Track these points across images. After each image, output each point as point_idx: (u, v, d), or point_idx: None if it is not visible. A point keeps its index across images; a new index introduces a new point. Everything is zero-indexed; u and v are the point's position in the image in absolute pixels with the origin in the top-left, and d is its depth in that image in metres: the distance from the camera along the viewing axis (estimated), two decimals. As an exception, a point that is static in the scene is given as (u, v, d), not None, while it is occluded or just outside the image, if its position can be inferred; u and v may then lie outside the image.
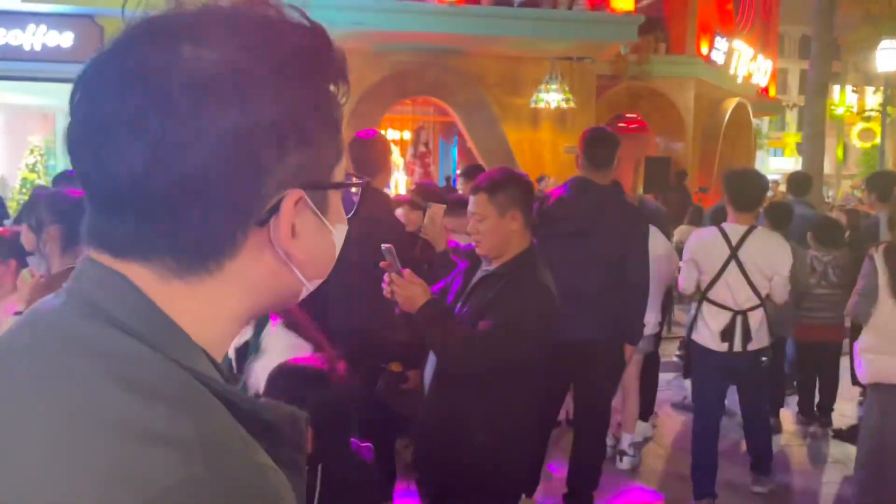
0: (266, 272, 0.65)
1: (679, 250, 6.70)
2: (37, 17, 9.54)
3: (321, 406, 1.69)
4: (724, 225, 4.03)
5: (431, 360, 2.42)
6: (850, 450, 4.54)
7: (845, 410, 5.53)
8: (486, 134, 11.68)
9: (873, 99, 25.34)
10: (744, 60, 15.44)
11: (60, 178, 4.75)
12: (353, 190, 0.76)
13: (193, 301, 0.62)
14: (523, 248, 2.41)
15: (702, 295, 4.07)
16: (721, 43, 14.38)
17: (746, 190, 4.02)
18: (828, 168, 31.88)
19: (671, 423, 5.60)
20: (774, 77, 18.14)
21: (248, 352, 2.34)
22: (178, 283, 0.61)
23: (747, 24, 15.87)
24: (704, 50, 13.87)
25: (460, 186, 5.75)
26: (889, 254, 3.43)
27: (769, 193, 6.22)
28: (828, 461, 5.07)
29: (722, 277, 3.95)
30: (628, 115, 14.56)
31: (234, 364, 2.34)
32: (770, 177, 9.09)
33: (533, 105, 10.96)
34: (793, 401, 5.77)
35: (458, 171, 9.38)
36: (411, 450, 2.53)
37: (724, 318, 3.97)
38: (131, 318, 0.59)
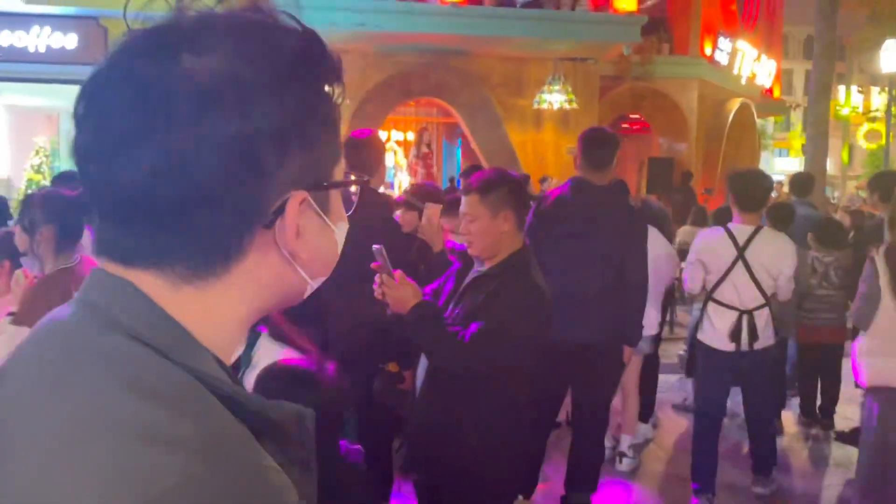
0: (272, 273, 0.66)
1: (682, 251, 6.70)
2: (41, 18, 9.58)
3: (310, 407, 1.67)
4: (730, 225, 4.04)
5: (424, 360, 2.41)
6: (852, 452, 4.51)
7: (847, 412, 5.49)
8: (489, 135, 11.67)
9: (879, 99, 25.24)
10: (747, 61, 15.39)
11: (59, 179, 4.76)
12: (353, 189, 0.78)
13: (202, 305, 0.63)
14: (516, 249, 2.40)
15: (708, 295, 4.08)
16: (725, 43, 14.34)
17: (751, 190, 4.02)
18: (833, 169, 31.86)
19: (671, 424, 5.58)
20: (779, 78, 18.08)
21: (240, 366, 2.33)
22: (186, 288, 0.63)
23: (751, 24, 15.83)
24: (708, 50, 13.84)
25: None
26: (890, 255, 3.40)
27: (773, 194, 6.19)
28: (829, 463, 5.04)
29: (728, 277, 3.97)
30: (631, 116, 14.53)
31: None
32: (775, 177, 9.06)
33: (536, 106, 10.96)
34: (794, 403, 5.75)
35: (461, 172, 9.39)
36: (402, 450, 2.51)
37: (731, 317, 3.98)
38: (139, 324, 0.60)
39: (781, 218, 4.93)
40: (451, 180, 12.08)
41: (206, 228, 0.61)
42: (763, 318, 3.98)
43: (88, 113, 0.63)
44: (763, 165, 32.62)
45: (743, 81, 15.31)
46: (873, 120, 25.26)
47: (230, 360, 0.67)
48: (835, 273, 5.20)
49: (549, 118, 11.47)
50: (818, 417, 5.53)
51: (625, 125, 14.81)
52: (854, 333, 4.42)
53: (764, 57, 16.29)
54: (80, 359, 0.58)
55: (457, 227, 3.46)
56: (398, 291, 2.25)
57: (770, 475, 4.40)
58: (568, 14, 10.42)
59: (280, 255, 0.66)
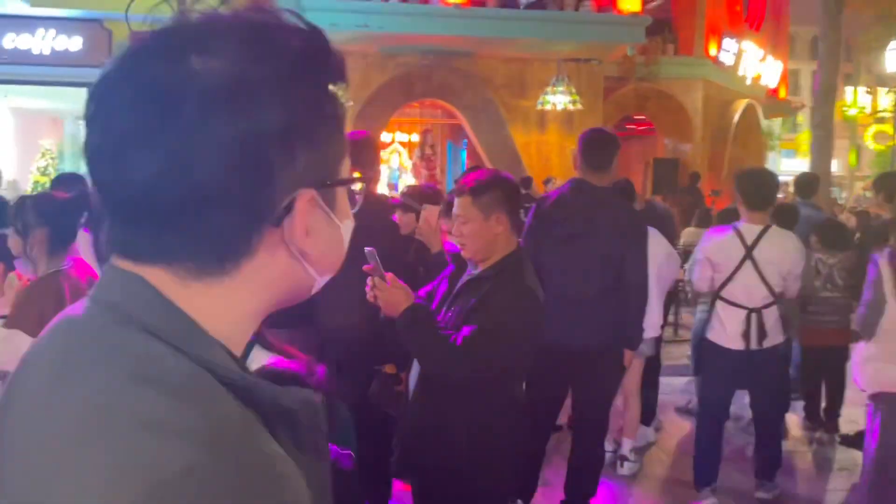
0: (280, 270, 0.67)
1: (687, 253, 6.66)
2: (46, 21, 9.62)
3: None
4: (738, 224, 4.04)
5: (417, 363, 2.39)
6: (857, 456, 4.47)
7: (852, 415, 5.43)
8: (492, 136, 11.65)
9: (886, 100, 25.09)
10: (753, 61, 15.32)
11: (59, 181, 4.76)
12: (357, 188, 0.79)
13: (211, 300, 0.65)
14: (509, 252, 2.37)
15: (716, 294, 4.09)
16: (730, 44, 14.28)
17: (759, 189, 4.02)
18: (841, 169, 31.68)
19: (674, 428, 5.54)
20: (785, 78, 18.00)
21: None
22: (196, 284, 0.64)
23: (757, 24, 15.75)
24: (713, 51, 13.79)
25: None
26: (893, 258, 3.36)
27: (780, 194, 6.15)
28: (834, 468, 4.99)
29: (737, 276, 3.97)
30: (636, 117, 14.48)
31: None
32: (782, 178, 8.99)
33: (539, 107, 10.93)
34: (798, 406, 5.69)
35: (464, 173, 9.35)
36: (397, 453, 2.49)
37: (740, 316, 3.98)
38: (149, 317, 0.62)
39: (785, 219, 4.89)
40: (457, 182, 12.05)
41: (215, 227, 0.62)
42: (772, 317, 3.99)
43: (97, 114, 0.64)
44: (770, 166, 32.43)
45: (748, 82, 15.24)
46: (881, 121, 25.10)
47: (240, 352, 0.68)
48: (839, 275, 5.14)
49: (553, 119, 11.44)
50: (822, 421, 5.48)
51: (630, 126, 14.77)
52: (858, 336, 4.38)
53: (770, 57, 16.21)
54: (90, 352, 0.60)
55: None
56: (390, 294, 2.23)
57: (773, 480, 4.36)
58: (571, 15, 10.38)
59: (288, 252, 0.67)
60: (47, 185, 10.84)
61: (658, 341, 5.03)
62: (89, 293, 0.66)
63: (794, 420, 5.63)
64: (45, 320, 2.27)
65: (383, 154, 14.30)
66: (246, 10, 0.66)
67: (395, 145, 14.50)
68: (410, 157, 14.33)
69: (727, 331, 4.01)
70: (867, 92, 26.32)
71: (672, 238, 5.92)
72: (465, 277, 2.41)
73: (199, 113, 0.60)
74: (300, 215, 0.66)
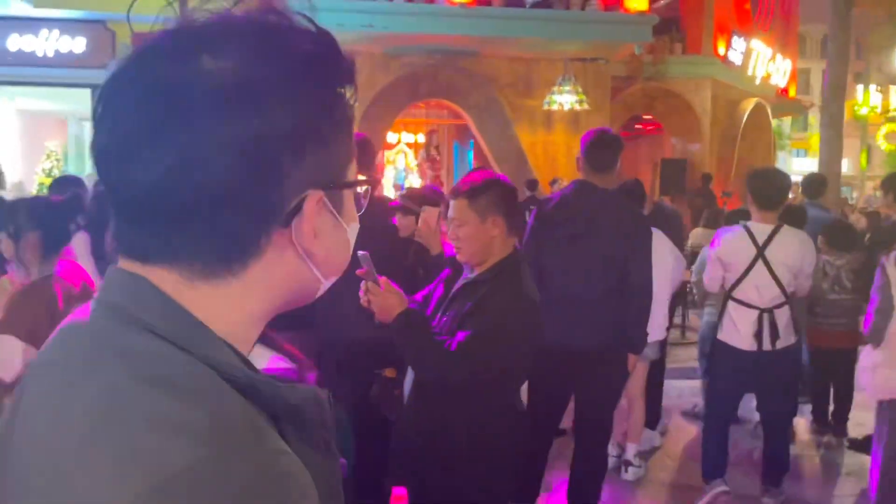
0: (287, 271, 0.68)
1: (694, 254, 6.59)
2: (49, 22, 9.63)
3: None
4: (749, 224, 4.04)
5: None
6: (865, 461, 4.38)
7: (861, 419, 5.35)
8: (498, 136, 11.60)
9: (897, 99, 24.93)
10: (762, 60, 15.20)
11: (57, 183, 4.74)
12: (362, 190, 0.78)
13: (218, 301, 0.65)
14: (506, 255, 2.32)
15: (727, 294, 4.08)
16: (738, 43, 14.17)
17: (769, 189, 4.02)
18: (852, 169, 31.45)
19: (680, 432, 5.47)
20: (795, 77, 17.86)
21: None
22: (203, 285, 0.64)
23: (766, 23, 15.63)
24: (721, 50, 13.68)
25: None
26: (901, 261, 3.29)
27: (791, 194, 6.08)
28: (841, 472, 4.91)
29: (749, 276, 3.96)
30: (644, 117, 14.39)
31: None
32: (794, 178, 8.89)
33: (546, 107, 10.86)
34: (806, 409, 5.61)
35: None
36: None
37: (752, 316, 3.97)
38: (154, 318, 0.62)
39: (793, 220, 4.81)
40: (460, 183, 12.00)
41: (224, 227, 0.62)
42: (784, 317, 3.98)
43: (106, 114, 0.64)
44: (780, 166, 32.27)
45: (757, 81, 15.13)
46: (893, 120, 24.90)
47: (247, 352, 0.68)
48: (846, 276, 5.07)
49: (560, 119, 11.37)
50: (831, 424, 5.40)
51: (638, 126, 14.69)
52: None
53: (779, 56, 16.09)
54: (97, 354, 0.60)
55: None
56: (383, 299, 2.18)
57: (780, 486, 4.29)
58: (577, 14, 10.32)
59: (296, 254, 0.67)
60: (53, 186, 10.88)
61: (663, 344, 4.96)
62: (96, 294, 0.67)
63: (801, 423, 5.55)
64: (38, 325, 2.21)
65: (389, 155, 14.29)
66: (256, 11, 0.66)
67: (401, 146, 14.47)
68: (416, 158, 14.29)
69: (739, 331, 4.02)
70: (878, 91, 26.11)
71: (680, 240, 5.84)
72: (461, 281, 2.35)
73: (210, 113, 0.60)
74: (309, 216, 0.66)
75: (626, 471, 4.57)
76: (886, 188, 5.61)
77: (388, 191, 12.51)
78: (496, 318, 2.15)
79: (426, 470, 2.27)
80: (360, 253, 2.18)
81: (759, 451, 4.44)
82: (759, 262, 3.94)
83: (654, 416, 5.18)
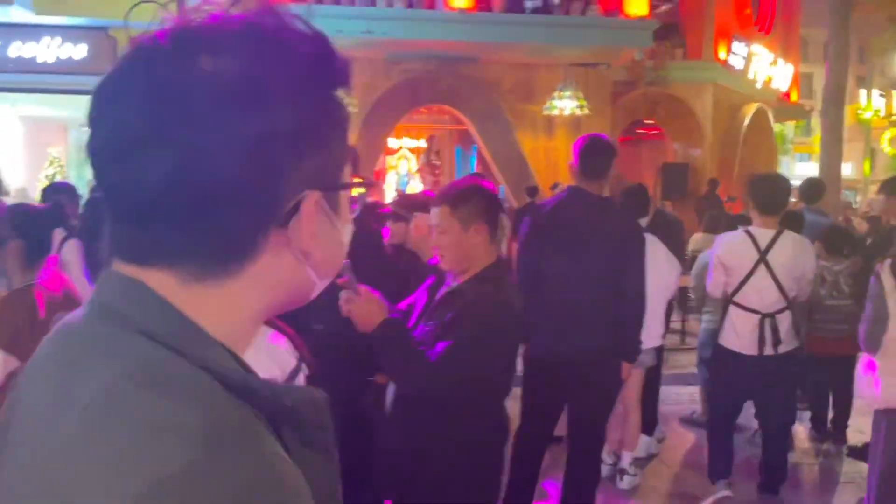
0: (283, 272, 0.67)
1: (694, 259, 6.56)
2: (51, 29, 9.65)
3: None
4: (750, 228, 4.05)
5: (394, 380, 2.31)
6: (864, 469, 4.33)
7: (861, 426, 5.31)
8: (499, 142, 11.59)
9: (901, 103, 24.84)
10: (763, 65, 15.15)
11: (51, 189, 4.74)
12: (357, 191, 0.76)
13: (214, 302, 0.64)
14: (488, 263, 2.30)
15: (729, 298, 4.09)
16: (739, 47, 14.13)
17: (771, 194, 4.04)
18: (854, 173, 31.32)
19: (677, 439, 5.43)
20: (797, 81, 17.80)
21: None
22: (198, 286, 0.64)
23: (767, 27, 15.59)
24: (722, 55, 13.64)
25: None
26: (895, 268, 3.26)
27: (792, 199, 6.06)
28: (840, 481, 4.87)
29: (750, 280, 3.97)
30: (645, 122, 14.35)
31: None
32: (798, 182, 8.87)
33: (546, 112, 10.84)
34: (805, 416, 5.57)
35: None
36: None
37: (753, 321, 3.98)
38: (149, 321, 0.61)
39: (790, 226, 4.77)
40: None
41: (224, 228, 0.63)
42: (786, 322, 3.99)
43: (104, 114, 0.63)
44: (783, 170, 32.17)
45: (759, 86, 15.07)
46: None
47: (243, 353, 0.68)
48: (845, 282, 5.03)
49: (561, 124, 11.35)
50: (830, 432, 5.35)
51: (639, 131, 14.65)
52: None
53: (780, 61, 16.04)
54: (91, 357, 0.60)
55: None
56: (363, 308, 2.15)
57: (778, 494, 4.25)
58: (577, 19, 10.30)
59: (292, 254, 0.67)
60: (55, 192, 10.89)
61: (659, 351, 4.92)
62: (90, 297, 0.66)
63: (800, 431, 5.51)
64: (19, 335, 2.18)
65: (391, 160, 14.29)
66: (253, 13, 0.66)
67: (404, 151, 14.46)
68: (418, 163, 14.29)
69: (740, 336, 4.02)
70: (881, 95, 26.04)
71: (680, 246, 5.81)
72: (443, 290, 2.33)
73: (212, 112, 0.60)
74: (307, 216, 0.66)
75: (622, 479, 4.53)
76: (888, 191, 5.57)
77: (391, 195, 12.50)
78: (477, 327, 2.13)
79: (408, 483, 2.24)
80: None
81: (757, 458, 4.41)
82: (761, 267, 3.95)
83: (650, 423, 5.14)
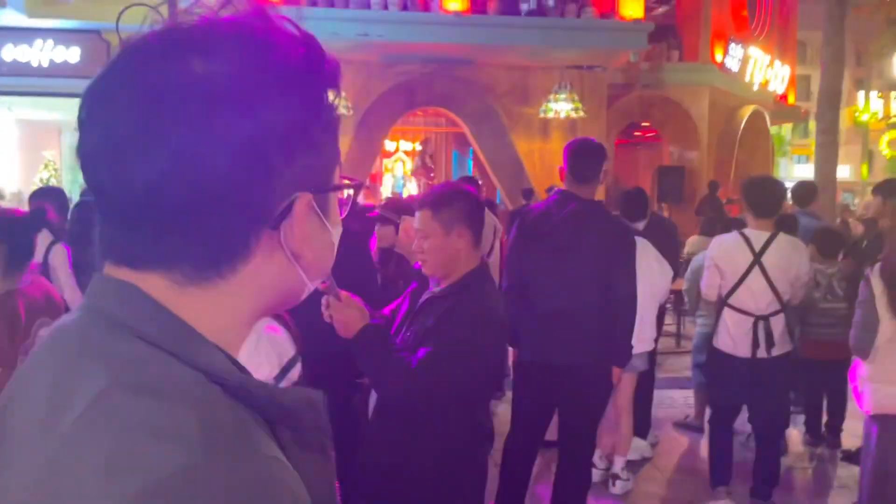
0: (275, 274, 0.68)
1: (687, 262, 6.53)
2: (44, 32, 9.63)
3: None
4: (745, 231, 4.06)
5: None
6: (858, 473, 4.31)
7: (856, 430, 5.27)
8: (494, 144, 11.56)
9: (899, 105, 24.82)
10: (760, 67, 15.13)
11: (39, 193, 4.72)
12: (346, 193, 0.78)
13: (207, 304, 0.65)
14: (471, 268, 2.27)
15: (723, 301, 4.10)
16: (736, 50, 14.11)
17: (765, 197, 4.05)
18: (853, 175, 31.32)
19: (671, 444, 5.39)
20: (794, 83, 17.79)
21: None
22: (192, 288, 0.64)
23: (763, 30, 15.57)
24: (718, 57, 13.62)
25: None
26: (885, 272, 3.23)
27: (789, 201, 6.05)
28: (834, 485, 4.84)
29: (745, 283, 3.99)
30: (641, 124, 14.33)
31: None
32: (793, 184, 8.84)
33: (542, 115, 10.82)
34: (800, 420, 5.54)
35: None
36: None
37: (747, 323, 3.99)
38: (143, 325, 0.61)
39: (784, 229, 4.75)
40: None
41: (215, 229, 0.63)
42: (779, 325, 3.99)
43: (94, 116, 0.63)
44: (781, 172, 32.21)
45: (755, 88, 15.06)
46: (894, 126, 24.82)
47: (237, 355, 0.68)
48: (838, 284, 5.00)
49: (557, 127, 11.32)
50: (824, 436, 5.32)
51: (636, 133, 14.63)
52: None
53: (777, 63, 16.03)
54: (86, 361, 0.59)
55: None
56: (344, 314, 2.12)
57: (770, 498, 4.22)
58: (573, 22, 10.26)
59: (284, 256, 0.67)
60: (50, 195, 10.85)
61: (652, 355, 4.90)
62: (83, 301, 0.66)
63: (794, 435, 5.47)
64: (0, 340, 2.16)
65: (388, 163, 14.27)
66: (242, 14, 0.67)
67: (400, 154, 14.44)
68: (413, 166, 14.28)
69: (734, 338, 4.04)
70: (879, 97, 26.04)
71: (675, 250, 5.77)
72: (425, 295, 2.30)
73: (203, 113, 0.60)
74: (299, 218, 0.66)
75: (614, 484, 4.50)
76: (884, 194, 5.54)
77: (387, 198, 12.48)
78: (458, 334, 2.10)
79: (390, 493, 2.21)
80: None
81: (752, 462, 4.38)
82: (756, 269, 3.96)
83: (644, 427, 5.12)
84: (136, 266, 0.64)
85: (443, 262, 2.24)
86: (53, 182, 11.69)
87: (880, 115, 25.85)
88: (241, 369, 0.65)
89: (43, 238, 3.89)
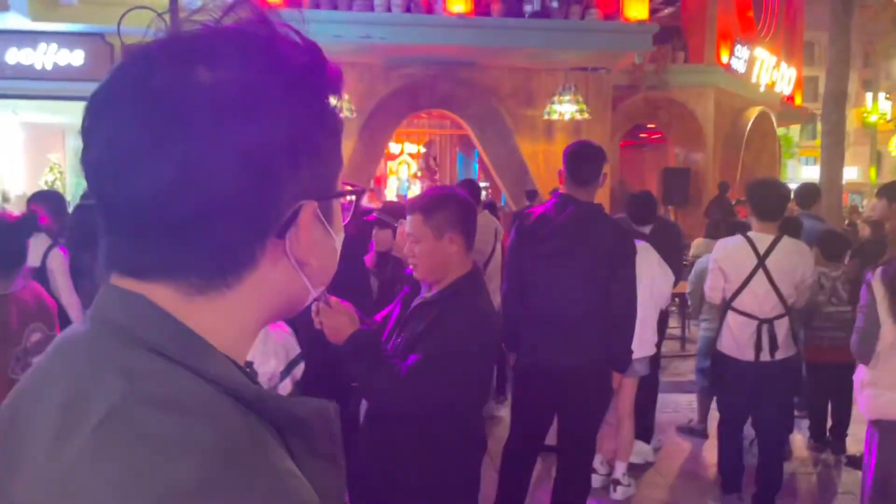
0: (280, 282, 0.67)
1: (692, 264, 6.48)
2: (48, 36, 9.65)
3: None
4: (749, 234, 4.03)
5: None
6: (862, 479, 4.26)
7: (861, 435, 5.21)
8: (499, 147, 11.53)
9: (907, 106, 24.67)
10: (766, 68, 15.05)
11: (38, 197, 4.72)
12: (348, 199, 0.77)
13: (214, 314, 0.64)
14: (463, 273, 2.24)
15: (727, 304, 4.07)
16: (741, 51, 14.04)
17: (769, 200, 4.02)
18: (862, 177, 31.14)
19: (674, 449, 5.34)
20: (800, 85, 17.69)
21: None
22: (199, 298, 0.63)
23: (769, 31, 15.49)
24: (724, 58, 13.55)
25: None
26: (887, 276, 3.19)
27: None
28: (838, 491, 4.78)
29: (749, 286, 3.96)
30: (647, 126, 14.27)
31: None
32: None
33: (546, 117, 10.78)
34: (804, 424, 5.48)
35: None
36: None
37: (751, 327, 3.96)
38: (154, 336, 0.61)
39: (787, 232, 4.71)
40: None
41: (222, 239, 0.62)
42: (783, 328, 3.96)
43: (98, 126, 0.63)
44: (789, 174, 32.03)
45: (762, 89, 14.97)
46: (902, 127, 24.68)
47: (243, 363, 0.68)
48: (843, 287, 4.95)
49: (561, 129, 11.28)
50: (828, 441, 5.26)
51: (642, 135, 14.57)
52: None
53: (784, 64, 15.94)
54: (98, 375, 0.59)
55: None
56: (333, 319, 2.09)
57: (773, 504, 4.18)
58: (577, 24, 10.23)
59: (289, 264, 0.67)
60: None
61: (654, 359, 4.85)
62: (89, 312, 0.65)
63: (798, 440, 5.42)
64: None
65: (392, 165, 14.26)
66: (245, 22, 0.66)
67: (404, 156, 14.42)
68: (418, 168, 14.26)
69: (737, 341, 4.00)
70: (887, 98, 25.89)
71: (679, 253, 5.73)
72: (417, 300, 2.27)
73: (209, 123, 0.60)
74: (305, 226, 0.66)
75: (615, 490, 4.46)
76: (890, 197, 5.48)
77: (391, 200, 12.47)
78: (449, 340, 2.07)
79: (381, 500, 2.18)
80: None
81: (755, 467, 4.33)
82: (760, 272, 3.93)
83: (647, 431, 5.07)
84: (143, 277, 0.63)
85: (434, 267, 2.21)
86: (58, 185, 11.73)
87: (888, 117, 25.72)
88: (251, 379, 0.65)
89: (41, 242, 3.89)
